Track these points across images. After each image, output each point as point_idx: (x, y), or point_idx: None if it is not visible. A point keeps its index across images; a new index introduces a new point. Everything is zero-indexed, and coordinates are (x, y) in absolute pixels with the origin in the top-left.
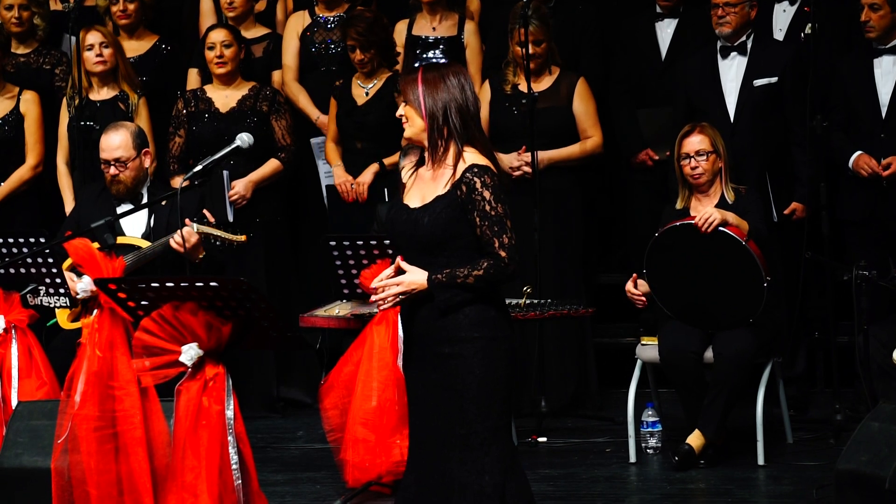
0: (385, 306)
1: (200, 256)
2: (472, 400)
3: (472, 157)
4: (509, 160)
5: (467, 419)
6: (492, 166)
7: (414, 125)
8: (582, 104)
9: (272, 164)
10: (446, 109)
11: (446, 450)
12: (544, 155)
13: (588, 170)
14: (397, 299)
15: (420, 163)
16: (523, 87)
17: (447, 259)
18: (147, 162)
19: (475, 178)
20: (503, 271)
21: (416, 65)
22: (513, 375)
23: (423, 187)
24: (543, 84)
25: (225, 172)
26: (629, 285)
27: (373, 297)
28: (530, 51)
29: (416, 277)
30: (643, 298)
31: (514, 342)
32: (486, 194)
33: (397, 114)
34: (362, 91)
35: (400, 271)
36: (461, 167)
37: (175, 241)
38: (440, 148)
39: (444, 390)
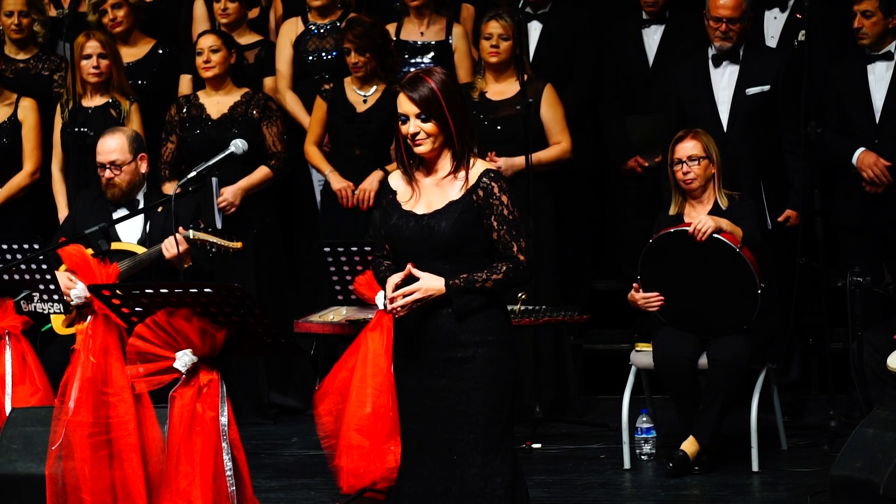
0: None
1: (186, 265)
2: (483, 403)
3: (481, 163)
4: None
5: (477, 423)
6: None
7: (437, 142)
8: (549, 110)
9: (262, 172)
10: (466, 124)
11: (453, 455)
12: (520, 159)
13: (558, 176)
14: (413, 305)
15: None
16: (490, 95)
17: (460, 264)
18: (144, 167)
19: (492, 183)
20: (521, 274)
21: (407, 71)
22: (517, 379)
23: (427, 195)
24: (510, 90)
25: (214, 179)
26: (636, 295)
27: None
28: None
29: (432, 283)
30: (655, 305)
31: (516, 346)
32: (504, 199)
33: (412, 131)
34: (359, 98)
35: (411, 278)
36: (474, 173)
37: (166, 246)
38: (462, 161)
39: (452, 395)
